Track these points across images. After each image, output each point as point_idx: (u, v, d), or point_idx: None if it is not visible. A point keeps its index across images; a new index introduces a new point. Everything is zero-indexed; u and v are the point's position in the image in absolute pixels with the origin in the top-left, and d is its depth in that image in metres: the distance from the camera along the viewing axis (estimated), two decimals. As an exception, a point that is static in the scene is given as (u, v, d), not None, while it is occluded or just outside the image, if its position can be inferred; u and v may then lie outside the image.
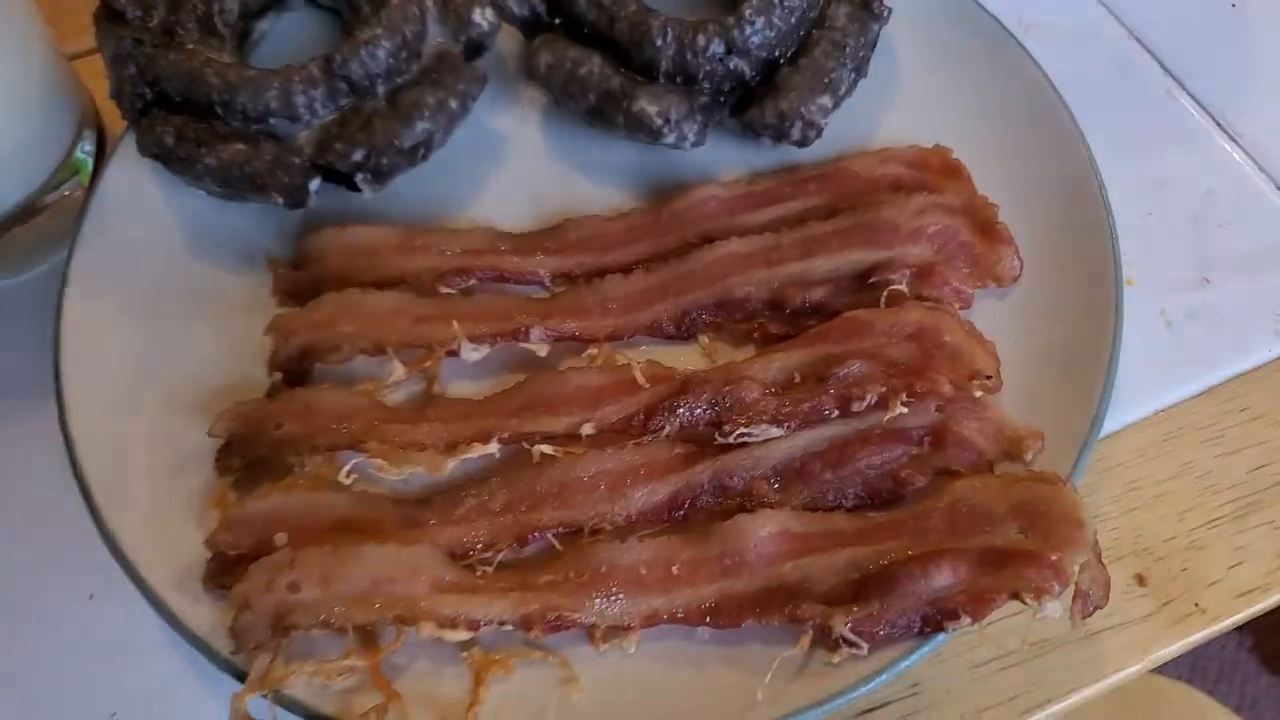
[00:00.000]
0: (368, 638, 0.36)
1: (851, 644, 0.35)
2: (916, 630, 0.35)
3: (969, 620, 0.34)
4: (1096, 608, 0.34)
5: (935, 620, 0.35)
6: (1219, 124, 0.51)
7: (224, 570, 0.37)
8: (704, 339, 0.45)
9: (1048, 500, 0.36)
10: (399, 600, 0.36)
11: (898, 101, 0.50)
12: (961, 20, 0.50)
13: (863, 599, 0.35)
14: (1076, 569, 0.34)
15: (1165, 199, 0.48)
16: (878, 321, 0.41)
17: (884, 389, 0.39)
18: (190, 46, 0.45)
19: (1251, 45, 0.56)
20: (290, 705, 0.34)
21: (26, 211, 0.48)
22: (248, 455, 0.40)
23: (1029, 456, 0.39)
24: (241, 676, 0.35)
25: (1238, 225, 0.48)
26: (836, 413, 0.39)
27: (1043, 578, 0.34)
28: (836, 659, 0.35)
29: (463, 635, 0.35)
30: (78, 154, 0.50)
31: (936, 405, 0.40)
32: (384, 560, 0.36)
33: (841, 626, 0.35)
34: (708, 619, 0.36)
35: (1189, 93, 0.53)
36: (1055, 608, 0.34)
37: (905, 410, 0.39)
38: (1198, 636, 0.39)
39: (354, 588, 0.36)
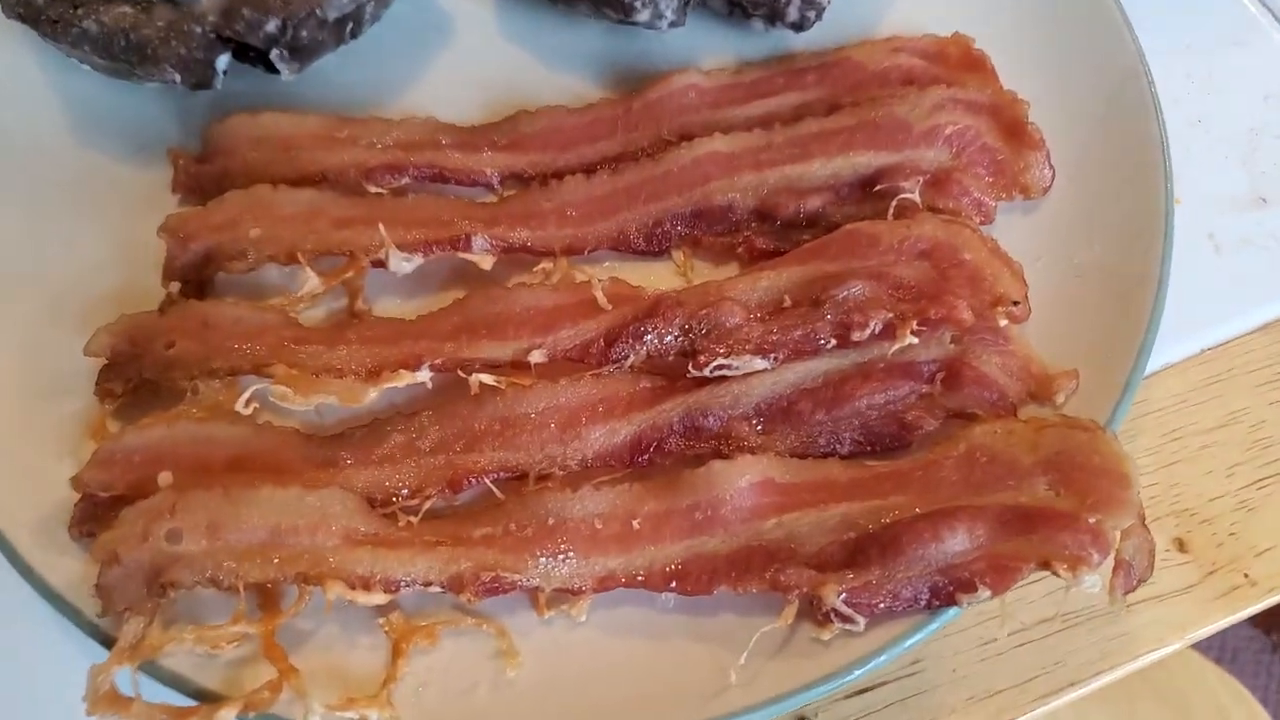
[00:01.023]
0: (267, 598, 0.30)
1: (845, 618, 0.29)
2: (924, 603, 0.29)
3: (988, 593, 0.29)
4: (1140, 581, 0.29)
5: (946, 591, 0.29)
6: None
7: (94, 515, 0.31)
8: (679, 255, 0.39)
9: (1084, 451, 0.31)
10: (303, 554, 0.30)
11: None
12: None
13: (860, 564, 0.30)
14: (1118, 535, 0.29)
15: (1218, 105, 0.42)
16: (884, 235, 0.35)
17: (890, 315, 0.33)
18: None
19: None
20: (167, 679, 0.29)
21: None
22: (132, 378, 0.34)
23: (1060, 399, 0.33)
24: (110, 643, 0.29)
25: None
26: (833, 342, 0.33)
27: (1079, 544, 0.29)
28: (826, 635, 0.29)
29: (378, 598, 0.30)
30: None
31: (952, 336, 0.34)
32: (286, 506, 0.31)
33: (834, 597, 0.29)
34: (673, 583, 0.31)
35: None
36: (1094, 581, 0.28)
37: (915, 340, 0.33)
38: (1247, 611, 0.34)
39: (249, 538, 0.30)
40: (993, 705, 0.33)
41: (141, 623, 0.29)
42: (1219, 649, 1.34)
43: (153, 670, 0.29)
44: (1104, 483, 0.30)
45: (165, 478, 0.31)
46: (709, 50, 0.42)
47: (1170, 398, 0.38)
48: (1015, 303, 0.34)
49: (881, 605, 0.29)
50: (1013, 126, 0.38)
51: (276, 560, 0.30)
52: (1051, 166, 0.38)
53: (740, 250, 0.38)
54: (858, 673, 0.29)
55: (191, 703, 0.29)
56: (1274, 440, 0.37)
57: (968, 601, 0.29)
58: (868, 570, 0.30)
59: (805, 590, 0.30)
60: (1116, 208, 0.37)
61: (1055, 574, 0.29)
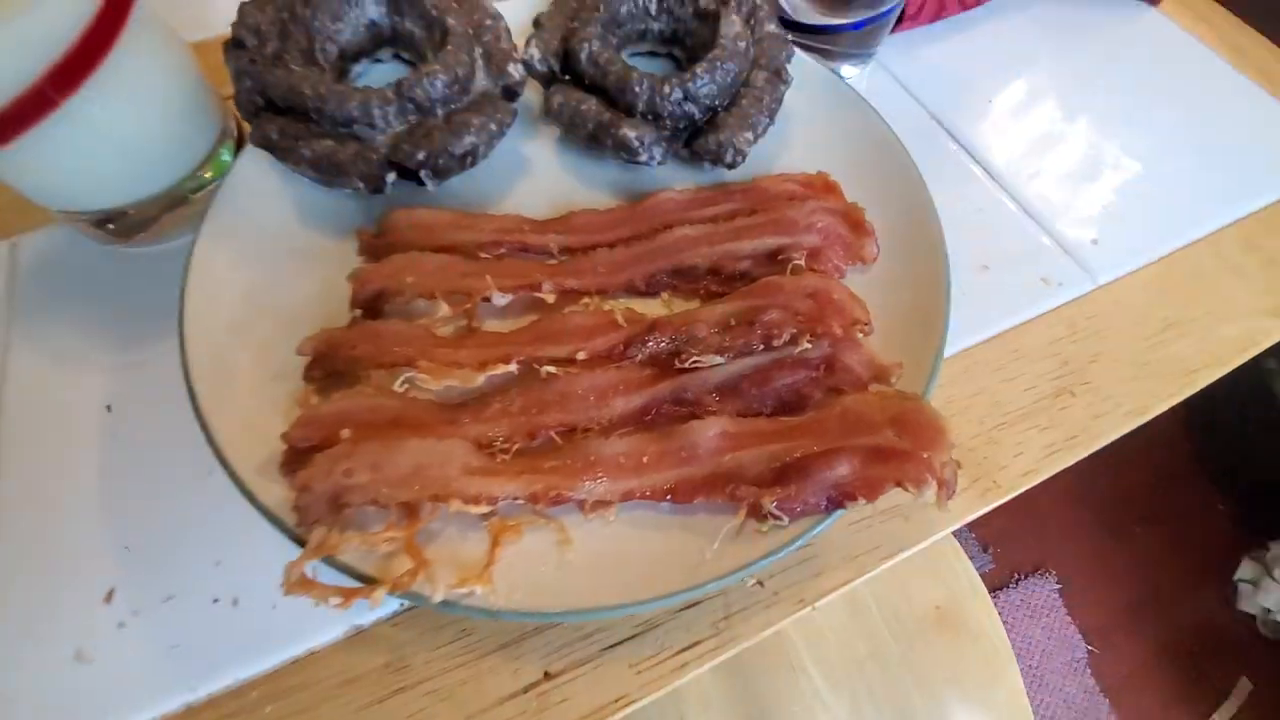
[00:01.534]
0: (410, 511, 0.23)
1: (776, 517, 0.23)
2: (824, 507, 0.23)
3: (863, 500, 0.23)
4: (953, 492, 0.23)
5: (837, 500, 0.23)
6: (988, 172, 0.40)
7: (298, 459, 0.23)
8: (665, 295, 0.31)
9: (914, 413, 0.24)
10: (434, 481, 0.22)
11: (793, 142, 0.36)
12: (837, 93, 0.36)
13: (783, 483, 0.23)
14: (940, 464, 0.23)
15: (956, 216, 0.36)
16: (786, 284, 0.29)
17: (794, 331, 0.27)
18: (295, 68, 0.30)
19: (1000, 124, 0.43)
20: (341, 568, 0.21)
21: (179, 199, 0.32)
22: (328, 369, 0.26)
23: (893, 380, 0.27)
24: (303, 544, 0.22)
25: (1002, 235, 0.37)
26: (762, 346, 0.27)
27: (919, 471, 0.22)
28: (765, 528, 0.23)
29: (484, 509, 0.22)
30: (221, 156, 0.34)
31: (829, 343, 0.27)
32: (424, 450, 0.23)
33: (769, 504, 0.23)
34: (668, 496, 0.24)
35: (967, 150, 0.41)
36: (930, 494, 0.22)
37: (809, 346, 0.27)
38: (996, 503, 0.28)
39: (398, 473, 0.22)
40: (855, 564, 0.26)
41: (324, 531, 0.21)
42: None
43: (331, 562, 0.21)
44: (930, 432, 0.23)
45: (345, 433, 0.23)
46: (678, 178, 0.35)
47: (945, 378, 0.32)
48: (866, 324, 0.28)
49: (798, 509, 0.23)
50: (856, 223, 0.31)
51: (417, 486, 0.22)
52: (878, 246, 0.31)
53: (701, 293, 0.31)
54: (786, 550, 0.22)
55: (357, 584, 0.21)
56: (1004, 402, 0.31)
57: (850, 505, 0.23)
58: (789, 487, 0.23)
59: (751, 500, 0.23)
60: (916, 270, 0.30)
61: (905, 490, 0.22)
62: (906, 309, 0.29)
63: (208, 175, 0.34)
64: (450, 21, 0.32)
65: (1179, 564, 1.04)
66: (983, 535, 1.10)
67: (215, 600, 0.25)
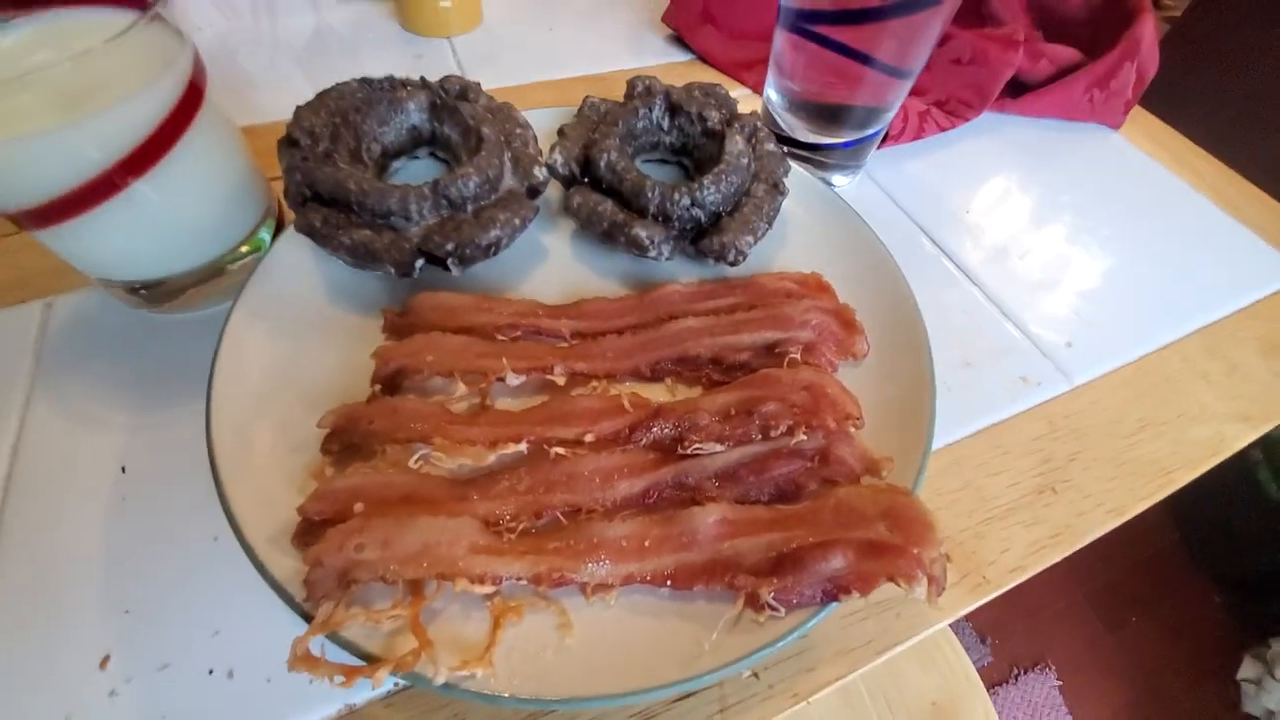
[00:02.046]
0: (415, 588, 0.23)
1: (774, 608, 0.23)
2: (819, 600, 0.24)
3: (857, 594, 0.23)
4: (942, 588, 0.24)
5: (832, 593, 0.24)
6: (967, 275, 0.43)
7: (310, 531, 0.24)
8: (668, 381, 0.33)
9: (905, 508, 0.25)
10: (442, 559, 0.23)
11: (789, 243, 0.39)
12: (828, 203, 0.40)
13: (780, 573, 0.24)
14: (931, 561, 0.24)
15: (939, 317, 0.39)
16: (783, 377, 0.31)
17: (791, 423, 0.28)
18: (341, 166, 0.34)
19: (977, 232, 0.47)
20: (344, 644, 0.22)
21: (216, 271, 0.35)
22: (345, 442, 0.28)
23: (885, 473, 0.28)
24: (309, 619, 0.22)
25: (983, 335, 0.39)
26: (760, 436, 0.28)
27: (910, 567, 0.23)
28: (762, 619, 0.23)
29: (488, 589, 0.23)
30: (260, 234, 0.37)
31: (823, 435, 0.29)
32: (433, 528, 0.24)
33: (766, 594, 0.23)
34: (668, 582, 0.24)
35: (947, 255, 0.44)
36: (921, 591, 0.23)
37: (804, 437, 0.28)
38: (984, 600, 0.29)
39: (407, 550, 0.23)
40: (849, 658, 0.27)
41: (332, 606, 0.22)
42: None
43: (334, 639, 0.22)
44: (919, 528, 0.25)
45: (358, 507, 0.24)
46: (683, 272, 0.38)
47: (933, 471, 0.33)
48: (858, 418, 0.29)
49: (794, 600, 0.23)
50: (847, 321, 0.34)
51: (425, 564, 0.23)
52: (868, 343, 0.33)
53: (703, 380, 0.33)
54: (782, 643, 0.23)
55: (360, 663, 0.22)
56: (989, 496, 0.32)
57: (845, 599, 0.24)
58: (786, 578, 0.24)
59: (750, 590, 0.24)
60: (903, 366, 0.32)
61: (898, 585, 0.23)
62: (895, 403, 0.31)
63: (244, 250, 0.36)
64: (485, 130, 0.36)
65: (1178, 657, 1.01)
66: (979, 624, 1.07)
67: (210, 671, 0.25)
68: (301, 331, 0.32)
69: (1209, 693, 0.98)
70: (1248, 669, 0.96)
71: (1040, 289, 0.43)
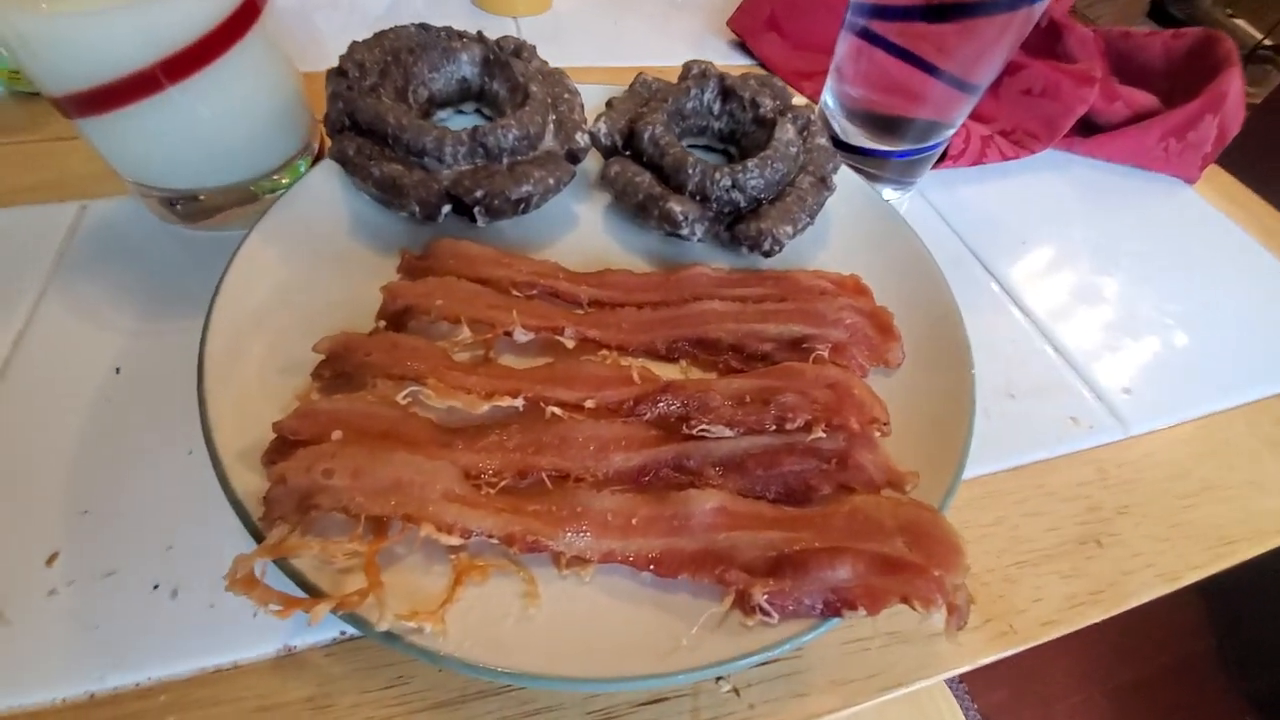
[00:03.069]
0: (379, 527, 0.21)
1: (765, 612, 0.20)
2: (819, 611, 0.20)
3: (864, 612, 0.20)
4: (964, 623, 0.21)
5: (835, 606, 0.20)
6: (1018, 305, 0.40)
7: (282, 451, 0.22)
8: (683, 362, 0.31)
9: (929, 524, 0.22)
10: (412, 500, 0.21)
11: (830, 243, 0.37)
12: (875, 206, 0.38)
13: (778, 575, 0.21)
14: (953, 587, 0.21)
15: (984, 341, 0.35)
16: (808, 371, 0.28)
17: (810, 417, 0.26)
18: (385, 99, 0.33)
19: (1033, 265, 0.44)
20: (292, 574, 0.19)
21: (249, 195, 0.34)
22: (338, 370, 0.26)
23: (908, 489, 0.25)
24: (262, 541, 0.20)
25: (1030, 366, 0.36)
26: (774, 427, 0.26)
27: (928, 589, 0.20)
28: (750, 622, 0.20)
29: (455, 540, 0.21)
30: (297, 165, 0.36)
31: (844, 437, 0.26)
32: (409, 465, 0.22)
33: (759, 596, 0.20)
34: (651, 566, 0.22)
35: (998, 281, 0.41)
36: (939, 618, 0.20)
37: (823, 436, 0.25)
38: (1010, 651, 0.25)
39: (378, 483, 0.21)
40: (846, 691, 0.23)
41: (286, 529, 0.20)
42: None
43: (283, 566, 0.20)
44: (943, 549, 0.21)
45: (337, 434, 0.23)
46: (715, 258, 0.36)
47: (961, 501, 0.30)
48: (885, 423, 0.26)
49: (790, 607, 0.20)
50: (883, 326, 0.31)
51: (393, 502, 0.21)
52: (904, 351, 0.31)
53: (720, 367, 0.30)
54: (770, 653, 0.20)
55: (304, 596, 0.19)
56: (1024, 538, 0.28)
57: (849, 615, 0.20)
58: (783, 581, 0.21)
59: (740, 587, 0.21)
60: (940, 382, 0.29)
61: (912, 608, 0.20)
62: (927, 420, 0.28)
63: (282, 180, 0.36)
64: (533, 88, 0.35)
65: None
66: (985, 706, 0.98)
67: (155, 586, 0.23)
68: (317, 260, 0.31)
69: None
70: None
71: (1099, 331, 0.39)
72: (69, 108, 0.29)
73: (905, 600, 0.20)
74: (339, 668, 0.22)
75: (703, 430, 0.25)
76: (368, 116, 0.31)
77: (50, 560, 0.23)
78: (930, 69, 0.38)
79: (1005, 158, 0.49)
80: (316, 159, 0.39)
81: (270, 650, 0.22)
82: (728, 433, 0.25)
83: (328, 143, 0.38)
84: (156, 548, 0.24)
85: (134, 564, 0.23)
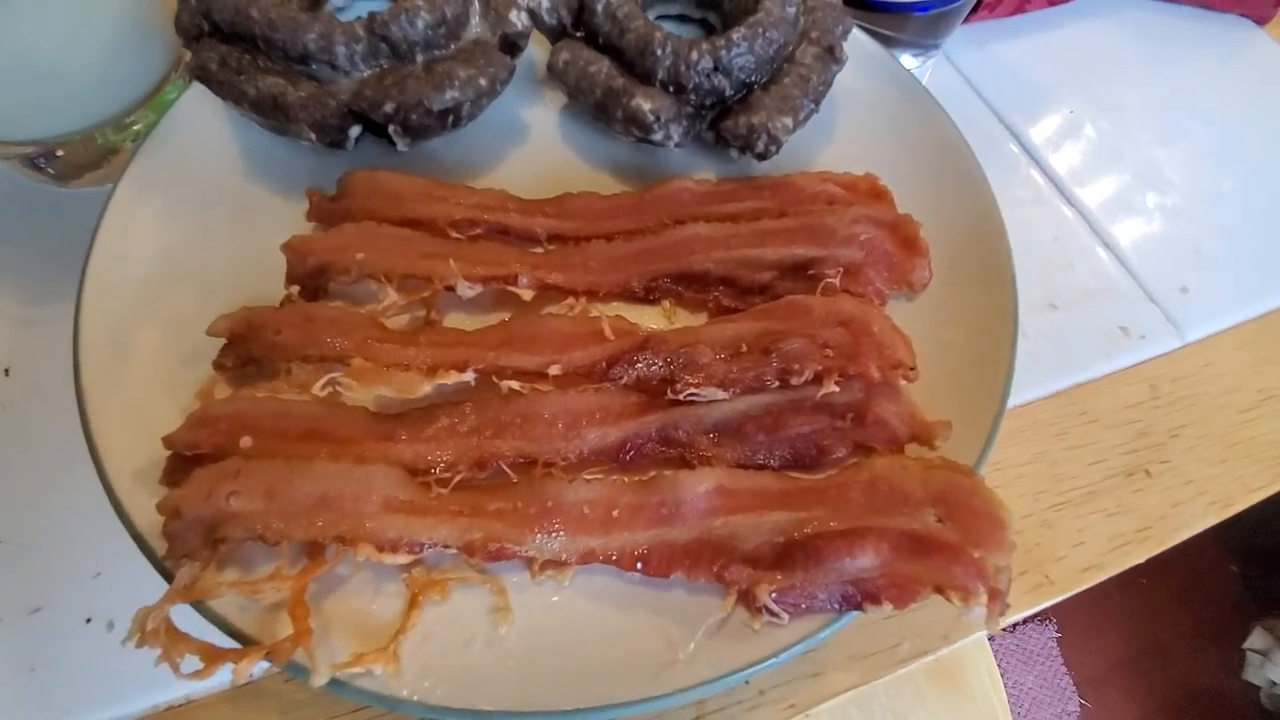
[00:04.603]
0: (313, 549, 0.17)
1: (773, 613, 0.17)
2: (836, 606, 0.17)
3: (890, 606, 0.17)
4: (1006, 608, 0.17)
5: (855, 600, 0.17)
6: (1061, 191, 0.33)
7: (183, 468, 0.18)
8: (666, 303, 0.25)
9: (966, 492, 0.18)
10: (343, 518, 0.17)
11: (837, 133, 0.30)
12: (894, 80, 0.30)
13: (786, 567, 0.17)
14: (996, 570, 0.17)
15: (1022, 241, 0.29)
16: (816, 307, 0.22)
17: (820, 368, 0.21)
18: (251, -7, 0.25)
19: (1080, 140, 0.36)
20: (212, 618, 0.16)
21: (111, 143, 0.27)
22: (244, 356, 0.21)
23: (938, 443, 0.20)
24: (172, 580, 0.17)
25: (1076, 269, 0.30)
26: (777, 383, 0.21)
27: (967, 576, 0.16)
28: (757, 625, 0.17)
29: (403, 559, 0.17)
30: (167, 93, 0.28)
31: (861, 386, 0.21)
32: (335, 476, 0.17)
33: (765, 595, 0.17)
34: (639, 565, 0.18)
35: (1038, 164, 0.35)
36: (979, 609, 0.17)
37: (836, 389, 0.21)
38: (1046, 604, 0.22)
39: (299, 503, 0.17)
40: (865, 665, 0.21)
41: (197, 568, 0.16)
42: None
43: (201, 610, 0.16)
44: (984, 523, 0.17)
45: (246, 441, 0.18)
46: (698, 166, 0.29)
47: (993, 439, 0.25)
48: (910, 368, 0.21)
49: (803, 605, 0.17)
50: (907, 239, 0.25)
51: (320, 523, 0.17)
52: (930, 270, 0.25)
53: (711, 306, 0.25)
54: (779, 659, 0.17)
55: (232, 643, 0.16)
56: (1064, 475, 0.25)
57: (872, 610, 0.17)
58: (793, 574, 0.17)
59: (744, 585, 0.17)
60: (975, 304, 0.24)
61: (948, 600, 0.17)
62: (959, 352, 0.23)
63: (149, 114, 0.28)
64: (445, -49, 0.26)
65: (1184, 621, 0.97)
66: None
67: (88, 620, 0.20)
68: (206, 211, 0.25)
69: (1212, 658, 0.94)
70: (1256, 639, 0.92)
71: (1155, 217, 0.33)
72: None
73: (939, 591, 0.17)
74: (302, 694, 0.19)
75: (691, 394, 0.21)
76: (227, 13, 0.23)
77: (-37, 602, 0.20)
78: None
79: (1052, 3, 0.39)
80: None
81: (226, 680, 0.20)
82: (721, 394, 0.21)
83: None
84: (83, 575, 0.21)
85: (62, 596, 0.20)
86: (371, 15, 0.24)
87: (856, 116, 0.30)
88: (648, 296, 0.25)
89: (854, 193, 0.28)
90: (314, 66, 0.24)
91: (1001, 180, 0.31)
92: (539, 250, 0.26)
